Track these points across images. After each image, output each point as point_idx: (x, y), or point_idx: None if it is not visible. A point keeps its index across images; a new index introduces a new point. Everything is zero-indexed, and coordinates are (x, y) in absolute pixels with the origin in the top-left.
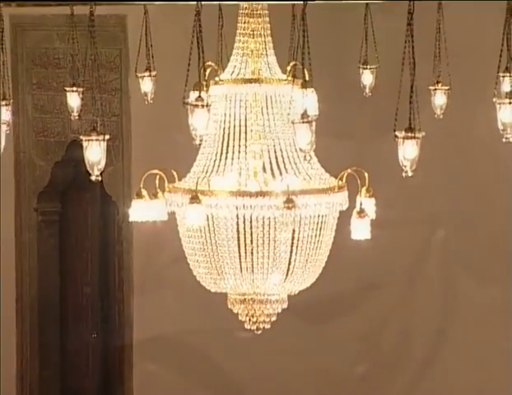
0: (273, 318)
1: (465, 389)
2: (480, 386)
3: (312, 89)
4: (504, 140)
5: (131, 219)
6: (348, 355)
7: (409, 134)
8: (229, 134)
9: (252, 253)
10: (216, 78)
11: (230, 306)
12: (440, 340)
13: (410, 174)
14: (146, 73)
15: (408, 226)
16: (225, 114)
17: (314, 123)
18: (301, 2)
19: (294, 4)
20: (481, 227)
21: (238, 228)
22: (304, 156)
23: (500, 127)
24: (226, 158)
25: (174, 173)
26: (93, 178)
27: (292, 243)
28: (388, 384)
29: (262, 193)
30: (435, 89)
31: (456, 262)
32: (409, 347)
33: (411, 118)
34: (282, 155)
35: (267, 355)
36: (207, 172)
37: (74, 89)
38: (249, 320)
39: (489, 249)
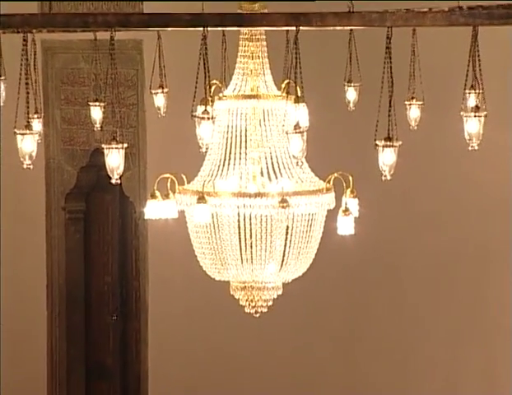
0: (270, 303)
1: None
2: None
3: (303, 104)
4: (469, 148)
5: (146, 217)
6: (332, 331)
7: (388, 143)
8: (231, 143)
9: (251, 246)
10: (220, 94)
11: (232, 292)
12: (419, 317)
13: (389, 177)
14: (160, 90)
15: (387, 223)
16: (227, 126)
17: (305, 134)
18: (294, 29)
19: (287, 30)
20: (450, 223)
21: (239, 224)
22: (297, 162)
23: (467, 137)
24: (229, 164)
25: (184, 176)
26: (113, 181)
27: (286, 237)
28: (370, 358)
29: (260, 194)
30: (410, 104)
31: (425, 250)
32: (388, 322)
33: (390, 129)
34: (278, 161)
35: (263, 334)
36: (212, 176)
37: (97, 104)
38: (249, 304)
39: (456, 241)
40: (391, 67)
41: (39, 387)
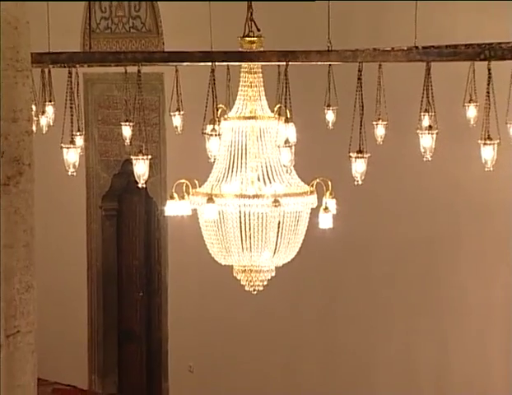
0: (265, 283)
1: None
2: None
3: (292, 123)
4: (424, 159)
5: (166, 214)
6: (314, 303)
7: (359, 155)
8: (234, 155)
9: (250, 237)
10: (225, 116)
11: (234, 274)
12: (382, 292)
13: (360, 182)
14: (177, 112)
15: (358, 218)
16: (231, 141)
17: (293, 147)
18: (284, 63)
19: (279, 65)
20: (407, 218)
21: (240, 220)
22: (287, 170)
23: (422, 150)
24: (232, 171)
25: (196, 181)
26: (140, 185)
27: (278, 230)
28: (343, 324)
29: (257, 196)
30: (377, 123)
31: (388, 239)
32: (358, 296)
33: (361, 144)
34: (271, 169)
35: (260, 307)
36: (218, 181)
37: (127, 123)
38: (248, 284)
39: (412, 232)
40: (362, 94)
41: (82, 347)
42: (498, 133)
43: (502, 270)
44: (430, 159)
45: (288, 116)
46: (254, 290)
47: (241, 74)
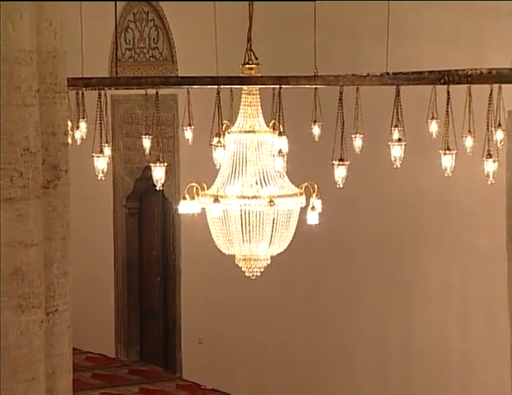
0: (261, 269)
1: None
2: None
3: (284, 136)
4: (394, 166)
5: (179, 212)
6: (303, 286)
7: (340, 162)
8: (236, 162)
9: (249, 231)
10: (229, 130)
11: (236, 262)
12: (360, 277)
13: (341, 185)
14: (188, 127)
15: (340, 216)
16: (234, 151)
17: (285, 156)
18: (278, 86)
19: (273, 88)
20: (380, 215)
21: (241, 217)
22: (280, 175)
23: (392, 159)
24: (234, 176)
25: (204, 185)
26: (157, 188)
27: (273, 226)
28: (327, 304)
29: (255, 197)
30: (355, 136)
31: (364, 233)
32: (340, 280)
33: (342, 153)
34: (267, 175)
35: (258, 289)
36: (223, 184)
37: (147, 137)
38: (248, 270)
39: (384, 227)
40: (342, 112)
41: (110, 323)
42: (455, 145)
43: (458, 257)
44: (399, 166)
45: (281, 130)
46: (253, 276)
47: (242, 95)
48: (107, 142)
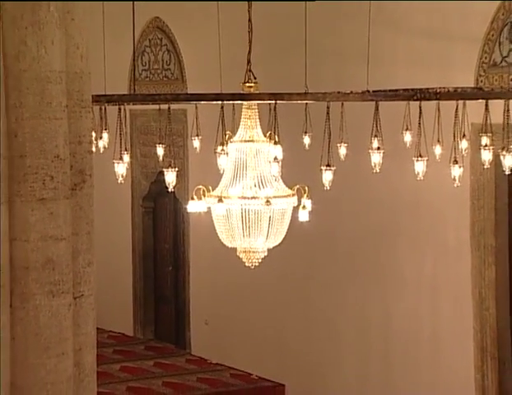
0: (259, 260)
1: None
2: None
3: (279, 145)
4: (374, 171)
5: (188, 210)
6: (295, 274)
7: (327, 168)
8: (237, 168)
9: (249, 227)
10: (231, 140)
11: (238, 254)
12: (345, 265)
13: (328, 188)
14: (196, 137)
15: (326, 213)
16: (235, 158)
17: (280, 162)
18: (273, 102)
19: (270, 103)
20: (360, 214)
21: (242, 215)
22: (275, 179)
23: (372, 164)
24: (236, 179)
25: (210, 187)
26: (169, 190)
27: (269, 222)
28: (317, 290)
29: (254, 197)
30: (341, 145)
31: (348, 229)
32: (327, 269)
33: (329, 159)
34: (264, 178)
35: (256, 277)
36: (226, 186)
37: (160, 146)
38: (248, 261)
39: (365, 223)
40: (329, 124)
41: (129, 306)
42: (426, 152)
43: (429, 250)
44: (378, 171)
45: (276, 140)
46: (252, 266)
47: (242, 110)
48: (126, 150)
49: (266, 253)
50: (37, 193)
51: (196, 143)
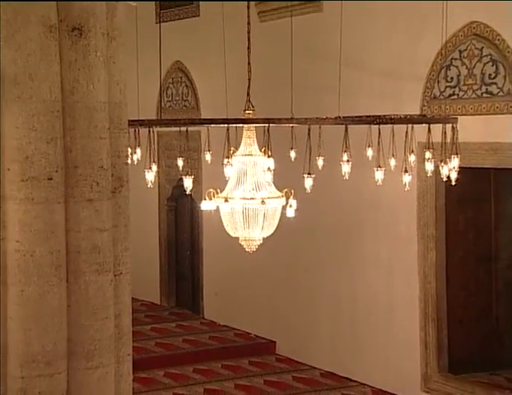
0: (256, 246)
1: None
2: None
3: (271, 158)
4: (344, 179)
5: (202, 208)
6: (285, 259)
7: (309, 175)
8: (239, 175)
9: (248, 221)
10: (235, 154)
11: (240, 242)
12: (324, 254)
13: (309, 191)
14: (208, 152)
15: (308, 211)
16: (238, 168)
17: (272, 171)
18: (267, 125)
19: (264, 126)
20: (336, 211)
21: (243, 212)
22: (269, 184)
23: (343, 173)
24: (238, 184)
25: (218, 190)
26: (187, 192)
27: (264, 217)
28: (303, 275)
29: (252, 198)
30: (319, 158)
31: (325, 223)
32: (310, 257)
33: (309, 169)
34: (260, 184)
35: (254, 259)
36: (231, 190)
37: (180, 158)
38: (247, 247)
39: (338, 218)
40: (310, 142)
41: (156, 281)
42: (384, 164)
43: (386, 239)
44: (347, 178)
45: (269, 154)
46: (251, 251)
47: (243, 131)
48: (154, 162)
49: (261, 241)
50: (86, 195)
51: (208, 157)
